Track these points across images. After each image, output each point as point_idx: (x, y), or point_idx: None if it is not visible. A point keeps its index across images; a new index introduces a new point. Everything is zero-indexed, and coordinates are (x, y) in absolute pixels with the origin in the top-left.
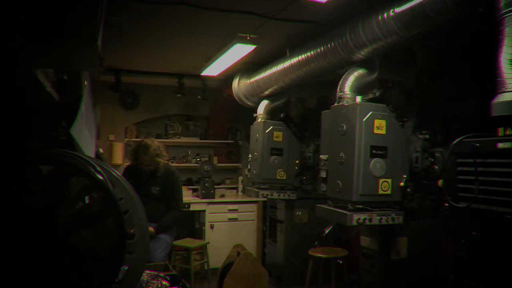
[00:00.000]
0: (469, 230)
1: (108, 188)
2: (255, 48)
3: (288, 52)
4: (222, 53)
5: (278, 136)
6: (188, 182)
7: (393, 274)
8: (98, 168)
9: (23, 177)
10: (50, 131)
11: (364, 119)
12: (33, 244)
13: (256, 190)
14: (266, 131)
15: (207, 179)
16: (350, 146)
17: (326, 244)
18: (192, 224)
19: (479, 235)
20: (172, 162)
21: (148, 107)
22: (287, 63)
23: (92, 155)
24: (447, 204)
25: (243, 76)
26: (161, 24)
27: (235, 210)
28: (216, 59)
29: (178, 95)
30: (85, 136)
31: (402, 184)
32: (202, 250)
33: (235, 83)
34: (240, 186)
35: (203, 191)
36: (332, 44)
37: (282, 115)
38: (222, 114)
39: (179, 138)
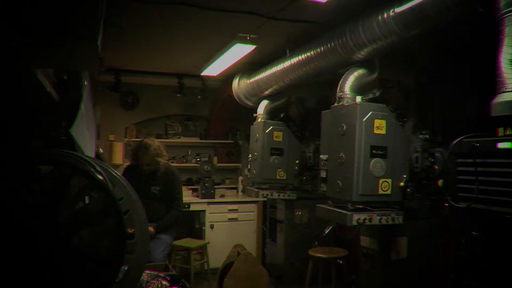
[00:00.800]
0: (469, 230)
1: (108, 188)
2: (255, 48)
3: (288, 52)
4: (222, 53)
5: (278, 136)
6: (188, 182)
7: (393, 274)
8: (98, 168)
9: (23, 177)
10: (50, 131)
11: (364, 119)
12: (33, 244)
13: (256, 190)
14: (266, 131)
15: (207, 179)
16: (350, 146)
17: (326, 244)
18: (192, 224)
19: (479, 235)
20: (172, 162)
21: (148, 107)
22: (287, 63)
23: (92, 155)
24: (447, 204)
25: (243, 76)
26: (161, 24)
27: (235, 210)
28: (216, 59)
29: (178, 95)
30: (85, 136)
31: (402, 184)
32: (202, 250)
33: (235, 83)
34: (240, 186)
35: (203, 191)
36: (332, 44)
37: (282, 115)
38: (222, 114)
39: (179, 138)
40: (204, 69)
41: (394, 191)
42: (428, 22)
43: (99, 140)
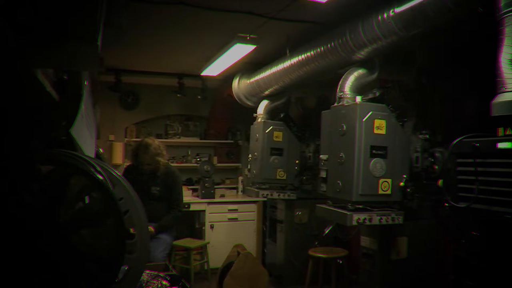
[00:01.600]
0: (469, 230)
1: (108, 188)
2: (255, 48)
3: (288, 52)
4: (222, 53)
5: (278, 136)
6: (188, 182)
7: (393, 274)
8: (98, 168)
9: (23, 177)
10: (50, 131)
11: (364, 119)
12: (33, 244)
13: (256, 190)
14: (266, 131)
15: (207, 179)
16: (350, 146)
17: (326, 244)
18: (192, 224)
19: (479, 235)
20: (172, 162)
21: (148, 107)
22: (287, 63)
23: (92, 155)
24: (447, 204)
25: (243, 76)
26: (161, 24)
27: (235, 210)
28: (216, 59)
29: (178, 95)
30: (85, 136)
31: (402, 184)
32: (202, 250)
33: (235, 83)
34: (240, 186)
35: (203, 191)
36: (332, 44)
37: (282, 115)
38: (222, 114)
39: (179, 138)
40: (204, 69)
41: (394, 191)
42: (428, 22)
43: (99, 140)
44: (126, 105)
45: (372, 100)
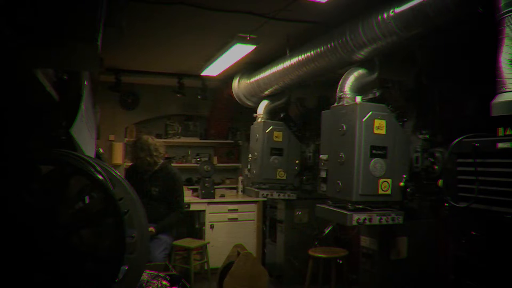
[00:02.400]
0: (469, 230)
1: (108, 188)
2: (255, 48)
3: (288, 52)
4: (222, 53)
5: (278, 136)
6: (188, 182)
7: (393, 274)
8: (98, 168)
9: (23, 177)
10: (50, 131)
11: (364, 119)
12: (33, 244)
13: (256, 190)
14: (266, 131)
15: (207, 179)
16: (350, 146)
17: (326, 244)
18: (192, 224)
19: (479, 235)
20: (172, 162)
21: (148, 107)
22: (287, 63)
23: (92, 155)
24: (447, 204)
25: (243, 76)
26: (161, 24)
27: (235, 210)
28: (216, 59)
29: (178, 95)
30: (85, 136)
31: (402, 184)
32: (202, 250)
33: (235, 83)
34: (240, 186)
35: (203, 191)
36: (332, 44)
37: (282, 115)
38: (222, 114)
39: (179, 138)
40: (204, 69)
41: (394, 191)
42: (428, 22)
43: (99, 140)
44: (126, 105)
45: (372, 100)
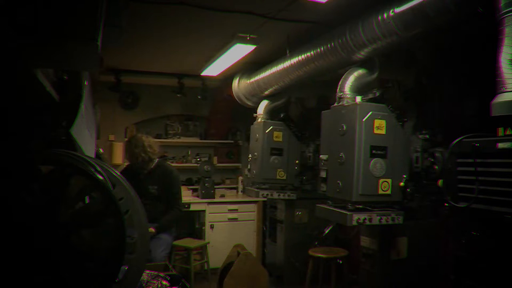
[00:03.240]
0: (469, 230)
1: (108, 188)
2: (255, 48)
3: (288, 52)
4: (222, 53)
5: (278, 136)
6: (188, 182)
7: (393, 274)
8: (98, 168)
9: (23, 177)
10: (50, 131)
11: (364, 119)
12: (33, 244)
13: (256, 190)
14: (266, 131)
15: (207, 179)
16: (350, 146)
17: (326, 244)
18: (192, 224)
19: (479, 235)
20: (172, 162)
21: (148, 107)
22: (287, 63)
23: (92, 155)
24: (447, 204)
25: (243, 76)
26: (161, 24)
27: (235, 210)
28: (216, 59)
29: (178, 95)
30: (85, 136)
31: (402, 184)
32: (202, 250)
33: (235, 83)
34: (240, 186)
35: (203, 191)
36: (332, 44)
37: (282, 115)
38: (222, 114)
39: (179, 138)
40: (204, 69)
41: (394, 191)
42: (428, 22)
43: (99, 140)
44: (126, 105)
45: (372, 100)
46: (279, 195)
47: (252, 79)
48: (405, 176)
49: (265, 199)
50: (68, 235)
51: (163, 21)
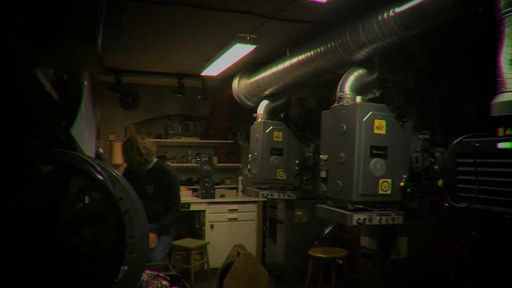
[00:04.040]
0: (469, 230)
1: (108, 188)
2: (255, 48)
3: (288, 52)
4: (222, 53)
5: (278, 136)
6: (188, 182)
7: (393, 274)
8: (98, 168)
9: (23, 177)
10: (50, 131)
11: (364, 119)
12: (33, 244)
13: (256, 190)
14: (266, 131)
15: (207, 179)
16: (350, 146)
17: (326, 244)
18: (192, 224)
19: (479, 235)
20: (172, 162)
21: (148, 107)
22: (287, 63)
23: (92, 155)
24: (447, 204)
25: (243, 76)
26: (161, 24)
27: (235, 210)
28: (216, 59)
29: (178, 95)
30: (85, 136)
31: (402, 184)
32: (202, 250)
33: (235, 83)
34: (240, 186)
35: (203, 191)
36: (332, 44)
37: (282, 115)
38: (222, 114)
39: (179, 138)
40: (204, 69)
41: (394, 191)
42: (428, 22)
43: (99, 140)
44: (126, 105)
45: (372, 100)
46: (279, 195)
47: (252, 79)
48: (405, 176)
49: (265, 199)
50: (68, 235)
51: (163, 21)
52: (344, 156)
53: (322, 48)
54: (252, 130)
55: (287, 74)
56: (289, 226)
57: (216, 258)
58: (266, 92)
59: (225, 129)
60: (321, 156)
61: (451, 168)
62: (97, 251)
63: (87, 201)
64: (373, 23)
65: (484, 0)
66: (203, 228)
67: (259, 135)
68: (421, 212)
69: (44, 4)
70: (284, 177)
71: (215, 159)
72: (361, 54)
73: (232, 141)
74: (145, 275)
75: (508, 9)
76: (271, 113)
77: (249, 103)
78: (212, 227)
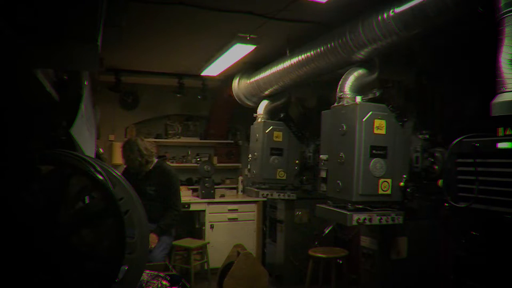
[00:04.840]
0: (469, 230)
1: (108, 188)
2: (255, 48)
3: (288, 52)
4: (222, 53)
5: (278, 136)
6: (188, 182)
7: (393, 274)
8: (98, 168)
9: (23, 177)
10: (50, 131)
11: (364, 119)
12: (33, 244)
13: (256, 190)
14: (266, 131)
15: (207, 179)
16: (350, 146)
17: (326, 244)
18: (192, 224)
19: (479, 235)
20: (172, 162)
21: (148, 107)
22: (287, 63)
23: (92, 155)
24: (447, 204)
25: (243, 76)
26: (161, 24)
27: (235, 210)
28: (216, 59)
29: (178, 95)
30: (85, 136)
31: (402, 184)
32: (202, 250)
33: (235, 83)
34: (240, 186)
35: (203, 191)
36: (332, 44)
37: (282, 115)
38: (222, 114)
39: (179, 138)
40: (204, 69)
41: (394, 191)
42: (428, 22)
43: (99, 140)
44: (126, 105)
45: (372, 100)
46: (279, 195)
47: (252, 79)
48: (405, 176)
49: (265, 199)
50: (68, 235)
51: (163, 21)
52: (344, 156)
53: (322, 48)
54: (252, 130)
55: (287, 74)
56: (289, 226)
57: (216, 258)
58: (266, 92)
59: (225, 129)
60: (321, 156)
61: (451, 168)
62: (97, 251)
63: (87, 201)
64: (373, 23)
65: (484, 0)
66: (203, 228)
67: (259, 135)
68: (421, 212)
69: (44, 4)
70: (284, 177)
71: (215, 159)
72: (361, 54)
73: (232, 141)
74: (145, 275)
75: (508, 9)
76: (271, 113)
77: (249, 103)
78: (212, 227)
